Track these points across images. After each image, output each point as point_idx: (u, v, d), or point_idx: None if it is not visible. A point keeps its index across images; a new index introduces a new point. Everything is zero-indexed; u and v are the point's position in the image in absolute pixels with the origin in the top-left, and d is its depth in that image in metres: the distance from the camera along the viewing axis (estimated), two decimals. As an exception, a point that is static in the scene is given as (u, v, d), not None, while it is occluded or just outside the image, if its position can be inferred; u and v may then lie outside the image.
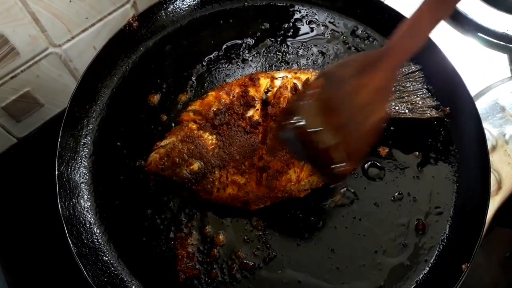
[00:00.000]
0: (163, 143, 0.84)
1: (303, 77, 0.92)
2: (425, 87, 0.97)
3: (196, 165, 0.81)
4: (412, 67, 0.99)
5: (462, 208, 0.87)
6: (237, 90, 0.88)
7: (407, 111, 0.94)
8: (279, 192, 0.83)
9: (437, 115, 0.95)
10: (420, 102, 0.95)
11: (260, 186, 0.82)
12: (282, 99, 0.86)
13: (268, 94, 0.89)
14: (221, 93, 0.88)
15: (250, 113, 0.86)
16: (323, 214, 0.87)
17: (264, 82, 0.90)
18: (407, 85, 0.96)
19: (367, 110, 0.62)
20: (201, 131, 0.84)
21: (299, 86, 0.89)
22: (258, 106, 0.87)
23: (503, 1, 1.17)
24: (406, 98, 0.95)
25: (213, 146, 0.83)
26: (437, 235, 0.86)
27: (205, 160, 0.82)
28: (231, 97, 0.88)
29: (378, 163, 0.91)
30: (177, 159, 0.82)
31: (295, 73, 0.93)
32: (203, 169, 0.81)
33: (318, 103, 0.61)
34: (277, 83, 0.90)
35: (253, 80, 0.89)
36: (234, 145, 0.83)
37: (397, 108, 0.94)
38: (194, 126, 0.85)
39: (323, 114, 0.61)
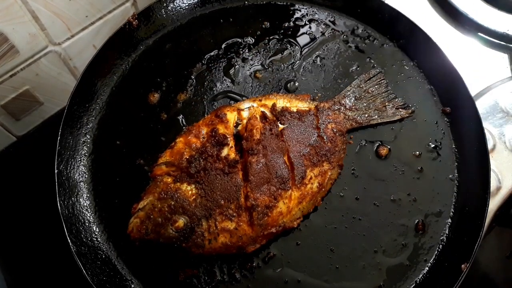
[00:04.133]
0: (140, 205, 0.78)
1: (269, 103, 0.89)
2: (389, 88, 0.97)
3: (181, 221, 0.75)
4: (372, 72, 0.99)
5: (462, 208, 0.87)
6: (206, 130, 0.83)
7: (376, 116, 0.94)
8: (272, 227, 0.80)
9: (407, 114, 0.95)
10: (387, 105, 0.96)
11: (252, 226, 0.78)
12: (254, 131, 0.82)
13: (238, 128, 0.85)
14: (189, 137, 0.82)
15: (225, 152, 0.81)
16: (323, 214, 0.87)
17: (231, 116, 0.85)
18: (371, 90, 0.97)
19: None
20: (178, 183, 0.78)
21: (267, 113, 0.87)
22: (231, 143, 0.82)
23: (503, 1, 1.16)
24: (372, 104, 0.95)
25: (194, 197, 0.77)
26: (436, 235, 0.86)
27: (189, 214, 0.76)
28: (201, 140, 0.82)
29: (378, 163, 0.91)
30: (160, 219, 0.76)
31: (260, 100, 0.90)
32: (189, 223, 0.76)
33: None
34: (245, 114, 0.87)
35: (219, 116, 0.84)
36: (216, 190, 0.77)
37: (366, 115, 0.94)
38: (170, 180, 0.79)
39: None
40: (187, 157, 0.80)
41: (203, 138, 0.83)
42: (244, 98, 0.97)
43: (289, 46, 1.03)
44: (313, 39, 1.04)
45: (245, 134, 0.83)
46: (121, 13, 1.09)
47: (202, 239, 0.76)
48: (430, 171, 0.91)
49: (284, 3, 1.08)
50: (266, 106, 0.89)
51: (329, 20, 1.07)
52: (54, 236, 0.82)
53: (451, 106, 0.96)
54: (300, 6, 1.08)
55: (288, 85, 0.99)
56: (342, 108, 0.93)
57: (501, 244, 1.08)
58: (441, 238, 0.86)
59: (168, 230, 0.76)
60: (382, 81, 0.98)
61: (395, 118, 0.95)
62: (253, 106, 0.88)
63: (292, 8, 1.08)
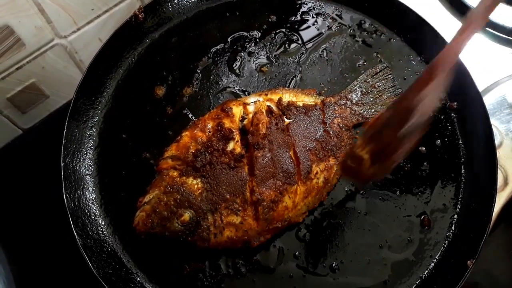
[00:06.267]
0: (146, 198, 0.78)
1: (275, 97, 0.89)
2: (395, 83, 0.97)
3: (186, 215, 0.75)
4: (379, 66, 0.98)
5: (468, 204, 0.87)
6: (211, 124, 0.83)
7: None
8: (278, 222, 0.80)
9: None
10: (394, 100, 0.95)
11: (258, 221, 0.78)
12: (260, 125, 0.82)
13: (244, 122, 0.85)
14: (195, 131, 0.83)
15: (231, 146, 0.81)
16: (328, 208, 0.86)
17: (237, 110, 0.85)
18: (378, 85, 0.96)
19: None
20: (184, 177, 0.79)
21: (273, 107, 0.86)
22: (237, 137, 0.82)
23: (512, -5, 1.15)
24: (378, 99, 0.95)
25: (200, 191, 0.77)
26: (442, 230, 0.86)
27: (195, 208, 0.76)
28: (207, 133, 0.82)
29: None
30: (165, 213, 0.76)
31: (266, 94, 0.90)
32: (195, 217, 0.76)
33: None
34: (251, 108, 0.86)
35: (225, 110, 0.84)
36: (221, 184, 0.77)
37: (372, 110, 0.93)
38: (175, 173, 0.80)
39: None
40: (193, 151, 0.80)
41: (209, 132, 0.83)
42: (249, 92, 0.96)
43: (295, 40, 1.03)
44: (319, 33, 1.04)
45: (251, 129, 0.83)
46: (127, 6, 1.09)
47: (207, 233, 0.77)
48: (436, 167, 0.90)
49: (291, -3, 1.07)
50: (272, 101, 0.88)
51: (336, 14, 1.06)
52: (60, 229, 0.82)
53: (458, 102, 0.95)
54: (306, 0, 1.07)
55: (294, 79, 0.98)
56: (349, 102, 0.93)
57: (507, 241, 1.08)
58: (447, 234, 0.85)
59: (174, 223, 0.76)
60: (389, 76, 0.97)
61: None
62: (259, 100, 0.88)
63: (298, 2, 1.07)
